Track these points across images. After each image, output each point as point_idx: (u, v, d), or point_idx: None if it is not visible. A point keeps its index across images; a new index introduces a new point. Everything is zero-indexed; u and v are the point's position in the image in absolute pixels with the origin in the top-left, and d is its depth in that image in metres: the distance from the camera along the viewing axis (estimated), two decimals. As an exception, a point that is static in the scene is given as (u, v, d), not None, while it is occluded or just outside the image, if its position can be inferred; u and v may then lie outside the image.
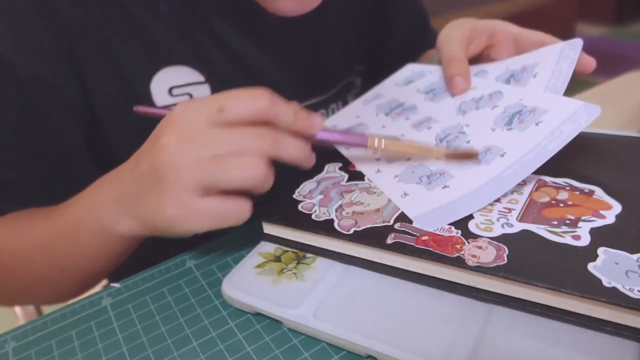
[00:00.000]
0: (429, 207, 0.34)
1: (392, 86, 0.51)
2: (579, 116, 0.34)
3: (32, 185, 0.44)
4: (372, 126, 0.46)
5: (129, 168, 0.35)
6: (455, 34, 0.46)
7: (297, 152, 0.33)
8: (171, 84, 0.46)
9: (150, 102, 0.46)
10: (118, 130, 0.47)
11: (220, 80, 0.48)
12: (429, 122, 0.43)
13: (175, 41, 0.46)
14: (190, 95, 0.47)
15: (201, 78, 0.47)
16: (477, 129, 0.39)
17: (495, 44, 0.46)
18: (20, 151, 0.43)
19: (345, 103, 0.58)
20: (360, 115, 0.48)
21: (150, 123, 0.39)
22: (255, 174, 0.31)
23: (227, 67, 0.49)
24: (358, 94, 0.60)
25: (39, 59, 0.42)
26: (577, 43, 0.41)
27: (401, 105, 0.47)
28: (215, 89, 0.48)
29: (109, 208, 0.36)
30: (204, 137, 0.31)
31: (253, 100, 0.32)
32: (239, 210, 0.32)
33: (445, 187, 0.35)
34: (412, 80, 0.50)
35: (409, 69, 0.52)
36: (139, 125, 0.46)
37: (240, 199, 0.32)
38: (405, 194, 0.36)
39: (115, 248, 0.39)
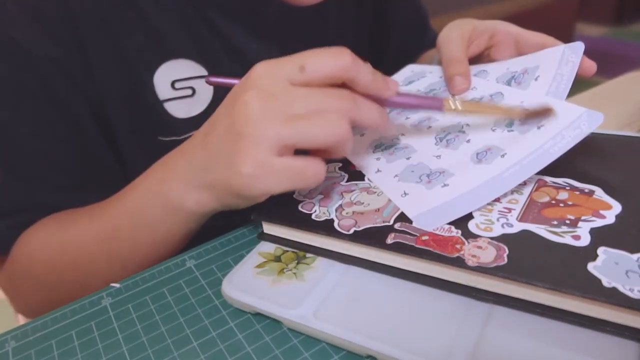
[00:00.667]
0: (428, 206, 0.34)
1: None
2: (582, 123, 0.34)
3: (60, 174, 0.44)
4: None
5: (200, 138, 0.35)
6: (456, 34, 0.46)
7: (375, 115, 0.33)
8: (174, 77, 0.47)
9: (153, 95, 0.46)
10: (121, 122, 0.47)
11: (222, 74, 0.48)
12: (429, 121, 0.43)
13: (178, 35, 0.46)
14: (193, 89, 0.47)
15: (204, 71, 0.47)
16: (477, 129, 0.39)
17: (495, 45, 0.46)
18: (45, 139, 0.43)
19: None
20: None
21: (155, 116, 0.39)
22: (339, 131, 0.31)
23: (228, 61, 0.49)
24: None
25: (55, 45, 0.42)
26: (579, 46, 0.41)
27: None
28: None
29: (175, 183, 0.36)
30: (286, 95, 0.31)
31: (335, 58, 0.32)
32: (316, 171, 0.32)
33: (445, 185, 0.35)
34: (412, 80, 0.50)
35: (409, 70, 0.52)
36: (143, 117, 0.46)
37: (316, 159, 0.32)
38: (405, 194, 0.36)
39: (182, 227, 0.39)
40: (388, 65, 0.64)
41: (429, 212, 0.33)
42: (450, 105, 0.36)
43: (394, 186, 0.37)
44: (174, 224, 0.38)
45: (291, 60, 0.32)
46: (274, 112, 0.31)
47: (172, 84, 0.46)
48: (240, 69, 0.49)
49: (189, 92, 0.47)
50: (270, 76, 0.32)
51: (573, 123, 0.34)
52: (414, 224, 0.33)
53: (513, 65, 0.44)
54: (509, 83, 0.42)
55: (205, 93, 0.48)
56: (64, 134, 0.44)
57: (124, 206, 0.40)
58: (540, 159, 0.33)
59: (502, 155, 0.35)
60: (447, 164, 0.37)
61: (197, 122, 0.47)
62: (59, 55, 0.42)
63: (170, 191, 0.37)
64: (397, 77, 0.52)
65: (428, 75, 0.49)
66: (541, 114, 0.36)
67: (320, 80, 0.32)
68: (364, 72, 0.32)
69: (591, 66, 0.41)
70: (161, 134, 0.48)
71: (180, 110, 0.47)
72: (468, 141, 0.38)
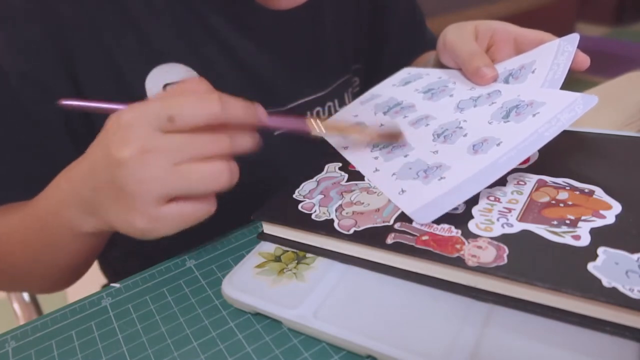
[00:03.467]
0: (425, 200, 0.34)
1: (390, 87, 0.51)
2: (577, 106, 0.35)
3: (16, 178, 0.44)
4: (371, 125, 0.46)
5: (85, 172, 0.35)
6: (466, 32, 0.47)
7: (251, 144, 0.34)
8: (166, 80, 0.47)
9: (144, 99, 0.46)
10: None
11: (215, 77, 0.48)
12: (427, 119, 0.43)
13: (170, 38, 0.46)
14: None
15: (195, 74, 0.48)
16: (474, 124, 0.39)
17: (495, 44, 0.47)
18: (5, 145, 0.44)
19: (342, 101, 0.58)
20: (358, 115, 0.48)
21: None
22: (222, 179, 0.31)
23: (221, 63, 0.49)
24: (357, 94, 0.60)
25: (28, 58, 0.42)
26: (574, 38, 0.41)
27: (399, 104, 0.47)
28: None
29: (71, 210, 0.37)
30: (161, 146, 0.31)
31: (202, 108, 0.31)
32: (206, 209, 0.33)
33: (441, 178, 0.35)
34: (409, 81, 0.50)
35: (406, 72, 0.52)
36: None
37: (205, 199, 0.33)
38: (403, 191, 0.36)
39: (85, 243, 0.40)
40: (384, 66, 0.64)
41: (426, 205, 0.33)
42: (314, 125, 0.38)
43: (391, 185, 0.37)
44: (76, 241, 0.39)
45: (158, 109, 0.31)
46: (153, 167, 0.30)
47: (164, 88, 0.47)
48: (234, 71, 0.49)
49: None
50: (141, 126, 0.31)
51: (568, 107, 0.35)
52: (413, 221, 0.33)
53: (510, 64, 0.44)
54: (507, 80, 0.43)
55: None
56: (25, 143, 0.44)
57: (35, 213, 0.40)
58: (535, 142, 0.34)
59: (498, 144, 0.35)
60: (444, 158, 0.37)
61: None
62: (31, 67, 0.42)
63: (68, 215, 0.37)
64: (393, 79, 0.52)
65: (425, 77, 0.49)
66: (393, 137, 0.41)
67: (190, 129, 0.31)
68: (235, 113, 0.32)
69: (585, 60, 0.41)
70: None
71: None
72: (465, 135, 0.38)
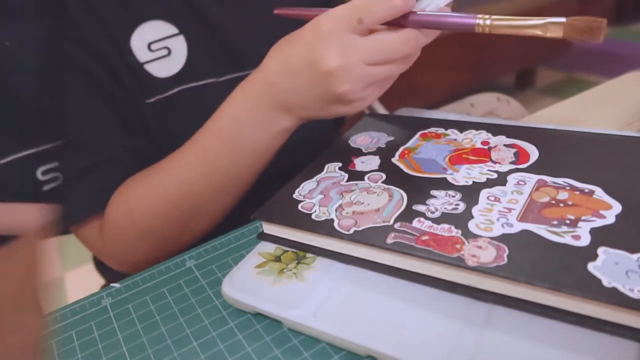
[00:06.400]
0: None
1: None
2: None
3: (114, 127, 0.48)
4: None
5: (278, 77, 0.40)
6: None
7: (425, 40, 0.38)
8: (149, 39, 0.48)
9: (133, 58, 0.48)
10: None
11: (192, 32, 0.50)
12: None
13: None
14: (168, 49, 0.49)
15: (175, 30, 0.49)
16: None
17: None
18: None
19: None
20: None
21: (138, 79, 0.44)
22: (411, 56, 0.38)
23: (198, 21, 0.50)
24: None
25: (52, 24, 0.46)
26: None
27: None
28: (189, 39, 0.50)
29: (271, 112, 0.41)
30: (358, 49, 0.36)
31: (387, 4, 0.36)
32: (402, 68, 0.38)
33: None
34: None
35: None
36: (127, 82, 0.48)
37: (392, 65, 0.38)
38: None
39: (278, 143, 0.44)
40: None
41: None
42: (482, 26, 0.36)
43: None
44: (271, 141, 0.43)
45: (349, 12, 0.36)
46: (357, 70, 0.37)
47: (149, 46, 0.48)
48: (209, 30, 0.51)
49: (165, 52, 0.49)
50: (338, 32, 0.37)
51: None
52: (413, 221, 0.33)
53: None
54: None
55: (180, 52, 0.50)
56: (100, 93, 0.48)
57: (219, 136, 0.43)
58: None
59: None
60: None
61: (179, 79, 0.49)
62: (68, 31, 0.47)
63: (266, 118, 0.41)
64: None
65: None
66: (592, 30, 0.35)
67: (376, 25, 0.37)
68: (410, 4, 0.36)
69: None
70: (147, 96, 0.49)
71: (160, 70, 0.49)
72: None
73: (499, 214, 0.33)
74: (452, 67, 1.76)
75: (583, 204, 0.32)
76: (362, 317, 0.30)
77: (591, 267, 0.27)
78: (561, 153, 0.38)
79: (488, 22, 0.36)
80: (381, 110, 0.78)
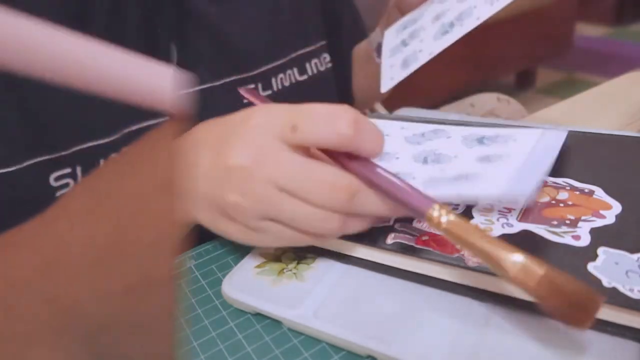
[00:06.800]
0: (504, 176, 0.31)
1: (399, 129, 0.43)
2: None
3: None
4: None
5: (197, 146, 0.33)
6: None
7: (378, 208, 0.29)
8: None
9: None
10: None
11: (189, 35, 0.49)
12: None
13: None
14: None
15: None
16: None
17: None
18: None
19: (304, 72, 0.58)
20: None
21: None
22: (328, 227, 0.29)
23: (185, 25, 0.49)
24: (330, 70, 0.60)
25: None
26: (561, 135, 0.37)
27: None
28: (185, 42, 0.48)
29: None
30: (275, 162, 0.28)
31: (331, 128, 0.28)
32: (308, 240, 0.31)
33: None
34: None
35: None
36: None
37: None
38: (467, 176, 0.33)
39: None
40: (343, 50, 0.65)
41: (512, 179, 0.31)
42: (434, 214, 0.28)
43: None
44: None
45: (285, 113, 0.29)
46: (260, 185, 0.29)
47: None
48: (193, 27, 0.49)
49: None
50: (265, 129, 0.29)
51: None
52: (413, 221, 0.33)
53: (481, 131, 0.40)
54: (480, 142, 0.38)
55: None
56: None
57: None
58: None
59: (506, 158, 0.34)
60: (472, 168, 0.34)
61: None
62: None
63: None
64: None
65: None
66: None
67: (311, 145, 0.29)
68: (367, 142, 0.28)
69: None
70: None
71: None
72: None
73: (499, 214, 0.33)
74: (452, 67, 1.76)
75: (583, 204, 0.32)
76: (362, 317, 0.30)
77: (591, 267, 0.27)
78: (561, 153, 0.38)
79: (444, 218, 0.27)
80: (381, 110, 0.78)
